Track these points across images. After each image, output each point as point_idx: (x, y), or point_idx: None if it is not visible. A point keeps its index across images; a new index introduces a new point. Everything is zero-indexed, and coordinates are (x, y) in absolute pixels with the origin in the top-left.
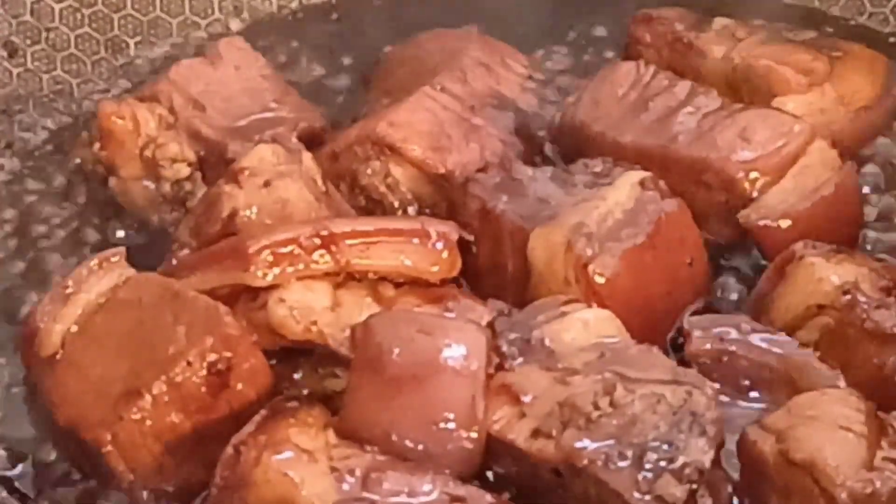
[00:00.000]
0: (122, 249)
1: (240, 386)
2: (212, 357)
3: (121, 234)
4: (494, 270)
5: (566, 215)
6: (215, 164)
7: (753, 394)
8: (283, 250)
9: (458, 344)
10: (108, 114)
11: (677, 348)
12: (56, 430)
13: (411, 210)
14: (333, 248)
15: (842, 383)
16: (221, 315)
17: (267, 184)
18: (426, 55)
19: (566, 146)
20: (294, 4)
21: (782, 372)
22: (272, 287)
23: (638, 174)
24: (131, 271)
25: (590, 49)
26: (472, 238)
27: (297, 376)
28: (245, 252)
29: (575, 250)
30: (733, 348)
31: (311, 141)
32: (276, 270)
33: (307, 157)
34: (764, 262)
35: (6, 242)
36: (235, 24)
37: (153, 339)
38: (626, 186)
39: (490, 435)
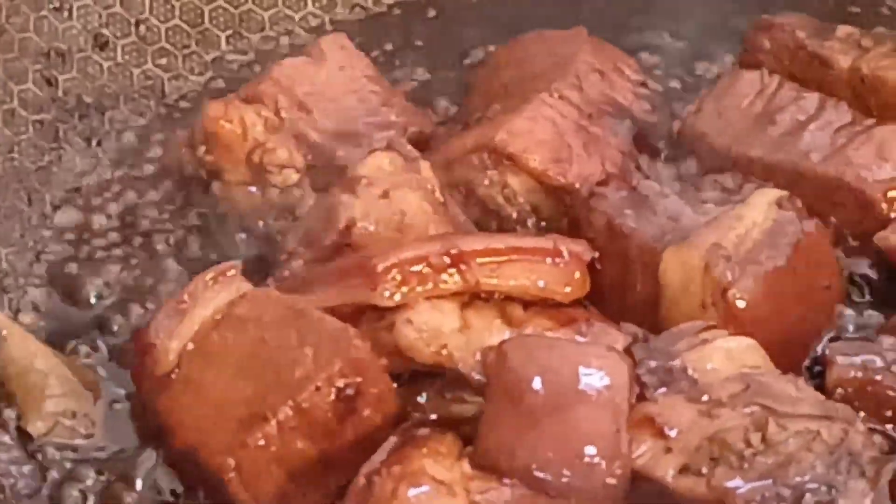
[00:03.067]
0: (238, 263)
1: (367, 412)
2: (341, 382)
3: (222, 241)
4: (620, 290)
5: (701, 235)
6: (323, 169)
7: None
8: (413, 269)
9: (601, 373)
10: (216, 117)
11: (812, 375)
12: (170, 452)
13: (529, 222)
14: (463, 266)
15: None
16: (351, 338)
17: (385, 194)
18: (533, 58)
19: (685, 157)
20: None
21: None
22: (399, 307)
23: (774, 193)
24: (248, 286)
25: (688, 53)
26: (597, 255)
27: (420, 400)
28: (373, 270)
29: (714, 273)
30: (879, 378)
31: (419, 146)
32: (405, 290)
33: (425, 165)
34: None
35: (100, 247)
36: (329, 19)
37: (277, 360)
38: (763, 205)
39: (634, 470)
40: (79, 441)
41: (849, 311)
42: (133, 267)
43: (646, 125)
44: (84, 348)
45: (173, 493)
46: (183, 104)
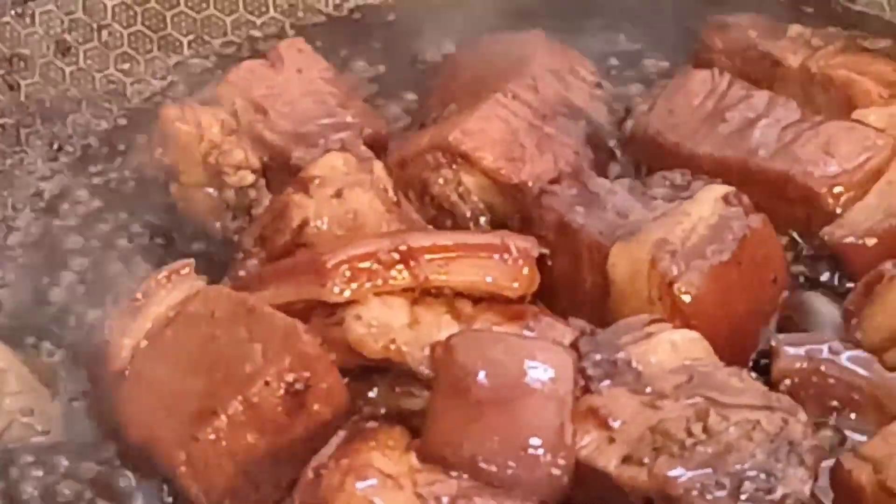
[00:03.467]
0: (192, 261)
1: (316, 406)
2: (290, 377)
3: (181, 242)
4: (571, 286)
5: (648, 231)
6: (279, 170)
7: (842, 416)
8: (362, 265)
9: (546, 366)
10: (172, 119)
11: (759, 369)
12: (125, 447)
13: (483, 220)
14: (412, 263)
15: None
16: (300, 333)
17: (338, 194)
18: (491, 60)
19: (638, 156)
20: (350, 4)
21: (871, 395)
22: (349, 303)
23: (721, 188)
24: (201, 284)
25: (644, 55)
26: (548, 252)
27: (371, 394)
28: (322, 267)
29: (659, 268)
30: (823, 368)
31: (376, 147)
32: (354, 286)
33: (378, 165)
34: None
35: (62, 249)
36: (290, 23)
37: (227, 356)
38: (709, 201)
39: (578, 461)
40: (36, 438)
41: (797, 304)
42: (93, 267)
43: (600, 125)
44: (44, 346)
45: (127, 487)
46: (145, 108)
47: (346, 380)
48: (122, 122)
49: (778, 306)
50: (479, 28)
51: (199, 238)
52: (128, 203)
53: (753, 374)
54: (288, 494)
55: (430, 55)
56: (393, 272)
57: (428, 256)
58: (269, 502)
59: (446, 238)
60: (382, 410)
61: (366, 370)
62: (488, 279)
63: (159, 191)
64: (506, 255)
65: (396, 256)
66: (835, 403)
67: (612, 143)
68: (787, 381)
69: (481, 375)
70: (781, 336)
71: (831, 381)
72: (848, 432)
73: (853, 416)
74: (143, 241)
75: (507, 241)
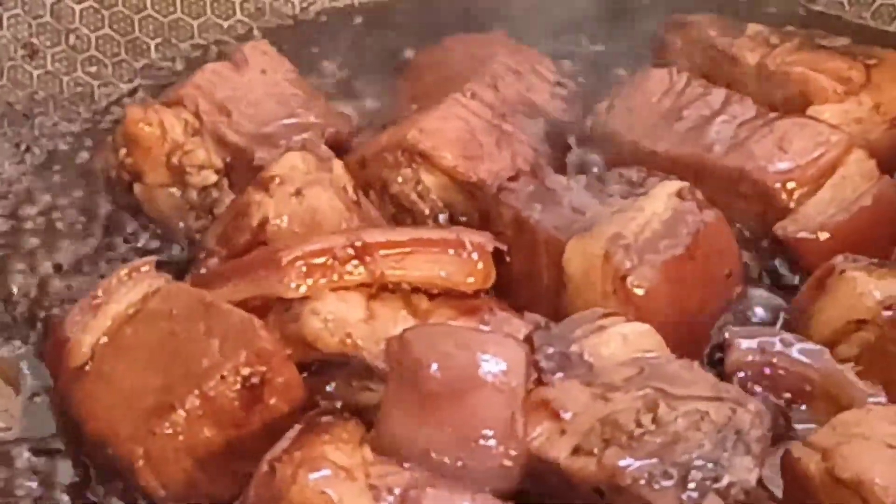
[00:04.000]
0: (153, 259)
1: (273, 400)
2: (246, 371)
3: (146, 241)
4: (528, 281)
5: (603, 226)
6: (242, 170)
7: (794, 407)
8: (317, 261)
9: (497, 359)
10: (136, 120)
11: (713, 362)
12: (85, 443)
13: (442, 218)
14: (368, 258)
15: (882, 399)
16: (256, 328)
17: (298, 192)
18: (454, 60)
19: (597, 154)
20: (316, 7)
21: (822, 386)
22: (305, 298)
23: (675, 184)
24: (161, 281)
25: (611, 54)
26: (505, 248)
27: (329, 389)
28: (278, 263)
29: (613, 262)
30: (775, 360)
31: (339, 147)
32: (310, 282)
33: (338, 164)
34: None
35: (27, 250)
36: (257, 26)
37: (185, 351)
38: (663, 196)
39: (529, 452)
40: None
41: (750, 298)
42: (59, 266)
43: (560, 123)
44: (10, 344)
45: (88, 482)
46: (113, 111)
47: (303, 375)
48: (89, 124)
49: (732, 300)
50: (443, 31)
51: (162, 237)
52: (93, 203)
53: (707, 367)
54: (245, 487)
55: (396, 58)
56: (349, 267)
57: (383, 252)
58: (227, 495)
59: (401, 234)
60: (339, 405)
61: (323, 365)
62: (443, 274)
63: (124, 191)
64: (461, 251)
65: (352, 252)
66: (787, 395)
67: (571, 140)
68: (741, 374)
69: (433, 368)
70: (735, 329)
71: (783, 373)
72: (799, 423)
73: (804, 407)
74: (108, 240)
75: (461, 237)
